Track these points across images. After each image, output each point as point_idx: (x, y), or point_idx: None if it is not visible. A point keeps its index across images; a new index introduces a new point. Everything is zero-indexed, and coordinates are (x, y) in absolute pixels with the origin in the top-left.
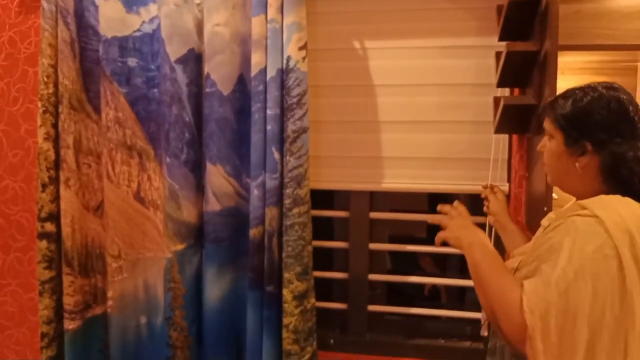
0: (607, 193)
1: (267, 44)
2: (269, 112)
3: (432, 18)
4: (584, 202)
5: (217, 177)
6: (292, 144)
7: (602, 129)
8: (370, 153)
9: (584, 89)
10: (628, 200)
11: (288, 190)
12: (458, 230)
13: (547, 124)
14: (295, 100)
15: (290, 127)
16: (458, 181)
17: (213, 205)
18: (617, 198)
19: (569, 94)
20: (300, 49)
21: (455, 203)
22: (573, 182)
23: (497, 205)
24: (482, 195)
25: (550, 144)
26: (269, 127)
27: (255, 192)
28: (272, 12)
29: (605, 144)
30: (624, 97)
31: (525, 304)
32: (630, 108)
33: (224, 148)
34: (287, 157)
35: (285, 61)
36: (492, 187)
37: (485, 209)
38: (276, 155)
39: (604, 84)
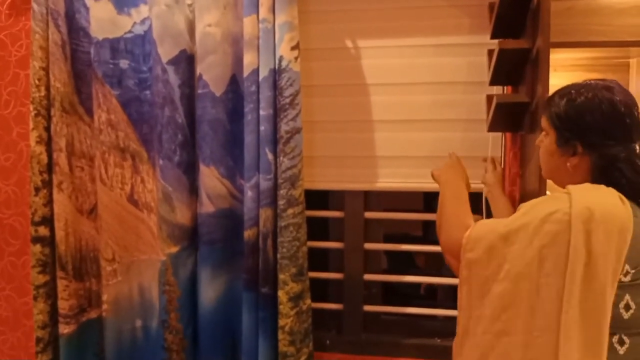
0: None
1: (259, 44)
2: (262, 112)
3: (424, 16)
4: (568, 187)
5: (210, 178)
6: (286, 144)
7: (593, 131)
8: (364, 152)
9: (579, 89)
10: (609, 189)
11: (282, 191)
12: (445, 168)
13: (543, 121)
14: (288, 100)
15: (284, 127)
16: None
17: (207, 207)
18: (598, 185)
19: (564, 92)
20: (293, 48)
21: (451, 152)
22: (564, 179)
23: (492, 176)
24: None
25: (545, 140)
26: (262, 128)
27: (249, 193)
28: (263, 11)
29: (596, 146)
30: (618, 98)
31: (470, 229)
32: (623, 110)
33: (217, 149)
34: (281, 158)
35: (277, 61)
36: (492, 160)
37: (482, 179)
38: (270, 156)
39: (601, 84)
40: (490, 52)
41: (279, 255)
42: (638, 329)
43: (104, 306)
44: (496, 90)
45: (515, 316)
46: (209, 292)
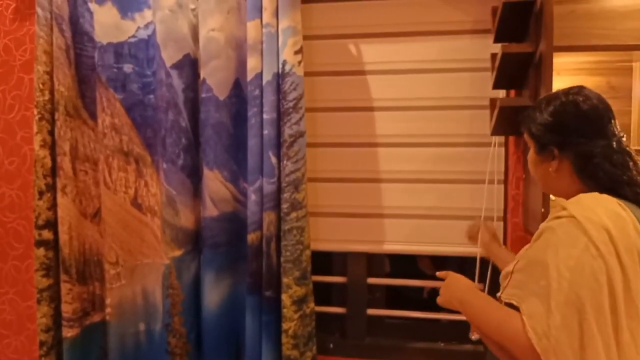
0: (586, 190)
1: (262, 49)
2: (265, 116)
3: (428, 21)
4: (564, 202)
5: (214, 182)
6: (289, 148)
7: (563, 133)
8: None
9: (549, 98)
10: (604, 196)
11: (285, 195)
12: (445, 293)
13: (525, 136)
14: (291, 104)
15: (287, 131)
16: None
17: (211, 210)
18: (593, 195)
19: (537, 104)
20: (296, 53)
21: (440, 273)
22: (554, 185)
23: (486, 235)
24: (468, 235)
25: (529, 153)
26: (265, 132)
27: (252, 197)
28: (267, 16)
29: (569, 146)
30: (581, 99)
31: (528, 327)
32: (586, 108)
33: (221, 153)
34: (284, 162)
35: (281, 65)
36: (482, 222)
37: (478, 242)
38: (273, 159)
39: (566, 90)
40: (493, 56)
41: (282, 259)
42: None
43: (108, 310)
44: (499, 93)
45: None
46: (213, 295)
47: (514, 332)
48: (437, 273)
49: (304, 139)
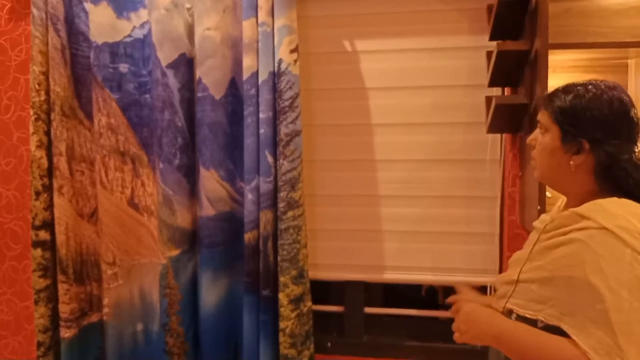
0: (599, 193)
1: (258, 47)
2: (261, 115)
3: (423, 20)
4: (582, 210)
5: (210, 181)
6: (285, 147)
7: (601, 128)
8: (365, 156)
9: (586, 86)
10: (625, 201)
11: (282, 194)
12: (471, 330)
13: (543, 117)
14: (287, 103)
15: (283, 130)
16: (453, 184)
17: (207, 210)
18: (614, 201)
19: (570, 88)
20: (292, 51)
21: (456, 296)
22: (564, 180)
23: (468, 296)
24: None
25: (543, 138)
26: (261, 131)
27: (249, 196)
28: (262, 15)
29: (602, 144)
30: (626, 98)
31: (586, 353)
32: (630, 109)
33: (217, 152)
34: (281, 161)
35: (276, 64)
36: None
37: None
38: (269, 158)
39: (606, 83)
40: (489, 54)
41: (279, 258)
42: None
43: (105, 310)
44: (495, 91)
45: None
46: (210, 295)
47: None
48: (448, 300)
49: (300, 137)
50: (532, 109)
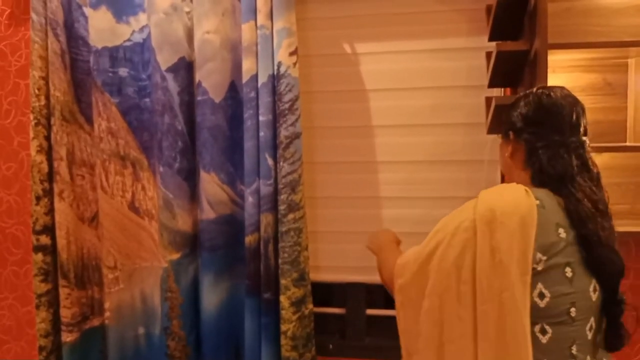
0: (530, 184)
1: (257, 50)
2: (261, 118)
3: (422, 21)
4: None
5: (211, 185)
6: (285, 149)
7: (521, 120)
8: (366, 158)
9: (527, 92)
10: (516, 186)
11: (282, 196)
12: (372, 242)
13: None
14: (287, 105)
15: (283, 132)
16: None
17: (208, 213)
18: (508, 184)
19: (516, 98)
20: (291, 54)
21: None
22: (511, 172)
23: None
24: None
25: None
26: (261, 134)
27: (249, 199)
28: (261, 18)
29: (522, 133)
30: (546, 93)
31: (398, 258)
32: (546, 102)
33: (218, 156)
34: (281, 163)
35: (276, 67)
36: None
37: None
38: (270, 161)
39: (543, 87)
40: (488, 55)
41: (280, 261)
42: (558, 318)
43: (107, 314)
44: (495, 92)
45: (449, 328)
46: (212, 298)
47: (392, 264)
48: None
49: (299, 140)
50: None
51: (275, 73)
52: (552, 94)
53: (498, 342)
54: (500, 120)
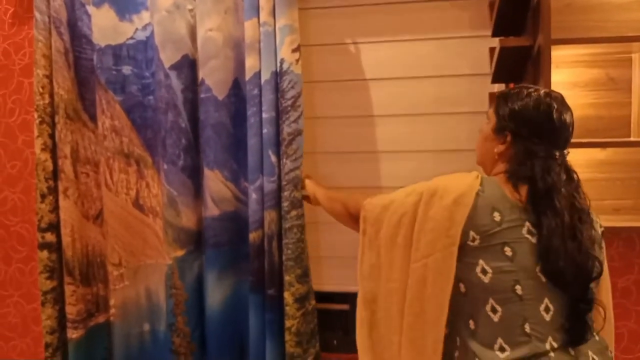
0: (502, 173)
1: (260, 48)
2: (264, 115)
3: (425, 11)
4: None
5: (215, 182)
6: (288, 146)
7: (525, 126)
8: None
9: (529, 90)
10: (470, 174)
11: (286, 193)
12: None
13: (490, 109)
14: (290, 102)
15: (286, 129)
16: None
17: (212, 210)
18: (466, 173)
19: (517, 89)
20: (294, 51)
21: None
22: (489, 165)
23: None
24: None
25: (485, 126)
26: (264, 131)
27: (253, 196)
28: (264, 15)
29: (522, 139)
30: (555, 106)
31: (371, 197)
32: (555, 116)
33: (221, 153)
34: (284, 160)
35: (279, 64)
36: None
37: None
38: (273, 158)
39: (547, 91)
40: (491, 50)
41: (284, 257)
42: (505, 295)
43: (112, 311)
44: (498, 87)
45: (387, 268)
46: (216, 294)
47: (358, 203)
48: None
49: (301, 137)
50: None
51: (278, 70)
52: (562, 110)
53: (419, 299)
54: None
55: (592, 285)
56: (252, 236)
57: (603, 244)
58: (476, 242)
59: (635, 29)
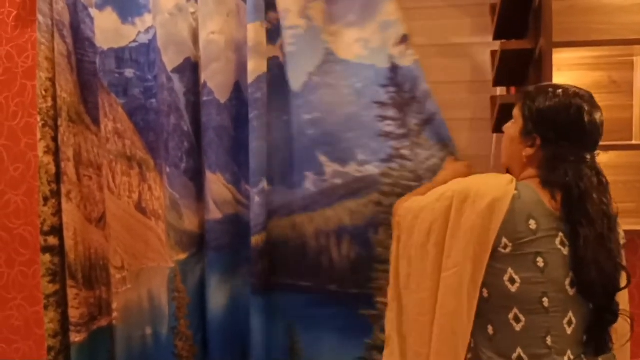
0: (535, 178)
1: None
2: (307, 116)
3: (428, 17)
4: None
5: (217, 185)
6: (418, 136)
7: (554, 130)
8: None
9: (556, 89)
10: (502, 175)
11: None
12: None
13: (516, 109)
14: (409, 95)
15: (413, 121)
16: None
17: (214, 213)
18: (497, 174)
19: (543, 89)
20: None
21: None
22: (517, 168)
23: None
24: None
25: (511, 127)
26: (310, 132)
27: (256, 199)
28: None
29: (552, 143)
30: (587, 108)
31: (405, 199)
32: (586, 118)
33: (223, 156)
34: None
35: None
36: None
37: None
38: (322, 158)
39: (575, 90)
40: (493, 54)
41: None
42: (531, 306)
43: (114, 314)
44: (500, 91)
45: (418, 278)
46: (218, 297)
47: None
48: None
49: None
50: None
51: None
52: (593, 111)
53: (449, 309)
54: (507, 119)
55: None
56: (255, 239)
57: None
58: (508, 250)
59: (637, 31)
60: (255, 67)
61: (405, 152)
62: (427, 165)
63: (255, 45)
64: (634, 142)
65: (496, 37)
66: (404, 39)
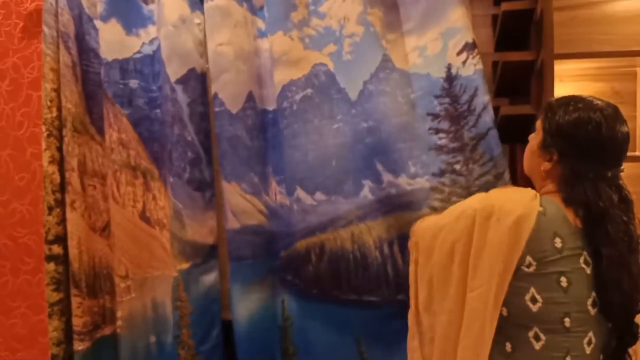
0: (555, 193)
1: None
2: (363, 124)
3: None
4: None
5: (233, 195)
6: (473, 151)
7: (572, 146)
8: None
9: (577, 103)
10: (526, 190)
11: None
12: None
13: (538, 121)
14: (465, 107)
15: (467, 134)
16: None
17: (232, 223)
18: (521, 188)
19: (564, 101)
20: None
21: None
22: (537, 180)
23: None
24: None
25: (533, 139)
26: (368, 140)
27: (294, 207)
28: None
29: (569, 159)
30: (606, 124)
31: (421, 220)
32: (605, 134)
33: (238, 166)
34: (471, 165)
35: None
36: None
37: None
38: (379, 166)
39: (599, 104)
40: (494, 65)
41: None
42: (552, 325)
43: (118, 322)
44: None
45: (439, 299)
46: (241, 308)
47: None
48: None
49: (485, 140)
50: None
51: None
52: (615, 126)
53: (473, 331)
54: (509, 131)
55: None
56: (300, 244)
57: None
58: (531, 269)
59: (638, 42)
60: (282, 78)
61: (457, 167)
62: (480, 182)
63: (280, 56)
64: (637, 153)
65: (498, 48)
66: (468, 47)
